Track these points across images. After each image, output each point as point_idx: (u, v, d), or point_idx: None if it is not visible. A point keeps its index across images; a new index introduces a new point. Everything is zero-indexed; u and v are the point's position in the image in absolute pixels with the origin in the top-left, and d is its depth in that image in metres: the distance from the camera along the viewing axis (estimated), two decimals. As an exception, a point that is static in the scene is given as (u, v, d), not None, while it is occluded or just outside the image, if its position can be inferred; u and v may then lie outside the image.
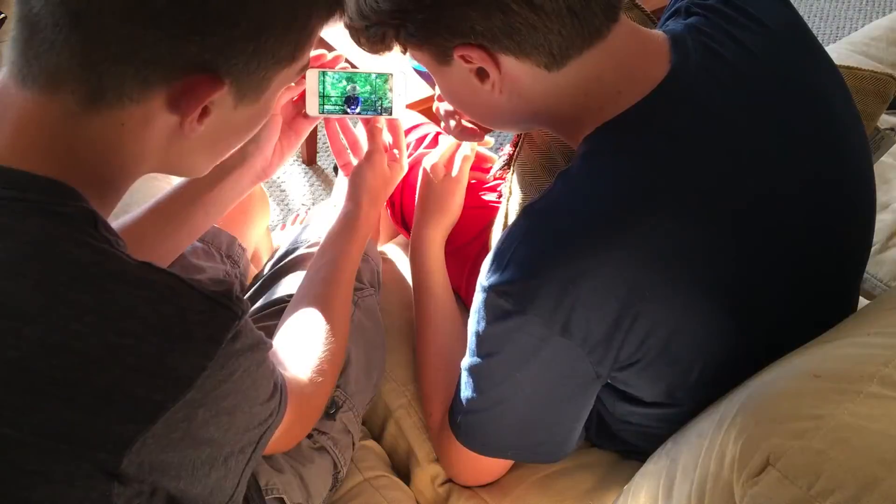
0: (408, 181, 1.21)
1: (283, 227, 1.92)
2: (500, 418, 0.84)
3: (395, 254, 1.28)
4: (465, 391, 0.85)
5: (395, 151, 1.07)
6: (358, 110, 1.01)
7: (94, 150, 0.59)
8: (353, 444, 0.99)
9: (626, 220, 0.71)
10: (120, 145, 0.60)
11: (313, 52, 0.97)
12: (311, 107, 0.99)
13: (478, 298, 0.78)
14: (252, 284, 1.11)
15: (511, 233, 0.76)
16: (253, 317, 1.01)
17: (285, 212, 2.09)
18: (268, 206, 1.31)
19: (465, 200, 1.14)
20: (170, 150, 0.63)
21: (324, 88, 0.99)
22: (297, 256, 1.08)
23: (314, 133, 2.17)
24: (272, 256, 1.13)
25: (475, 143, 1.13)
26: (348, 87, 1.00)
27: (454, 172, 1.11)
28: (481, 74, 0.76)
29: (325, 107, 1.00)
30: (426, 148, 1.23)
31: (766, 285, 0.77)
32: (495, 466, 0.95)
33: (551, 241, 0.73)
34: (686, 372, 0.77)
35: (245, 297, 0.88)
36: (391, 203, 1.24)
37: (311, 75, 0.98)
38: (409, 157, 1.22)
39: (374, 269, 1.11)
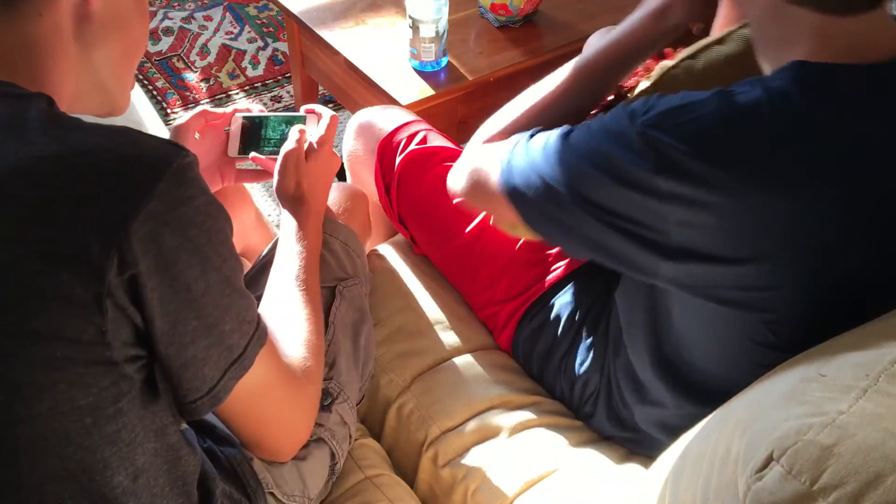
0: (404, 179, 1.21)
1: None
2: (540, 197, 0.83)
3: (391, 254, 1.28)
4: (533, 158, 0.84)
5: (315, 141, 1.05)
6: (268, 150, 1.07)
7: (26, 58, 0.66)
8: (350, 435, 0.99)
9: (813, 163, 0.71)
10: (44, 41, 0.66)
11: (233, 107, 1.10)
12: (232, 149, 1.07)
13: (616, 119, 0.77)
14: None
15: (707, 100, 0.74)
16: None
17: (285, 212, 2.09)
18: (247, 198, 1.30)
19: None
20: (85, 46, 0.70)
21: (246, 131, 1.08)
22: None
23: (314, 133, 2.17)
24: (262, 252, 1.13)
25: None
26: (266, 131, 1.08)
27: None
28: None
29: (247, 149, 1.07)
30: (417, 145, 1.22)
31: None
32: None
33: (749, 136, 0.72)
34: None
35: None
36: (388, 201, 1.24)
37: (235, 120, 1.08)
38: (400, 153, 1.22)
39: (356, 262, 1.11)
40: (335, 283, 1.05)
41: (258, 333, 0.71)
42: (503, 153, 0.88)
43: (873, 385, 0.55)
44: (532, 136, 0.87)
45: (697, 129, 0.73)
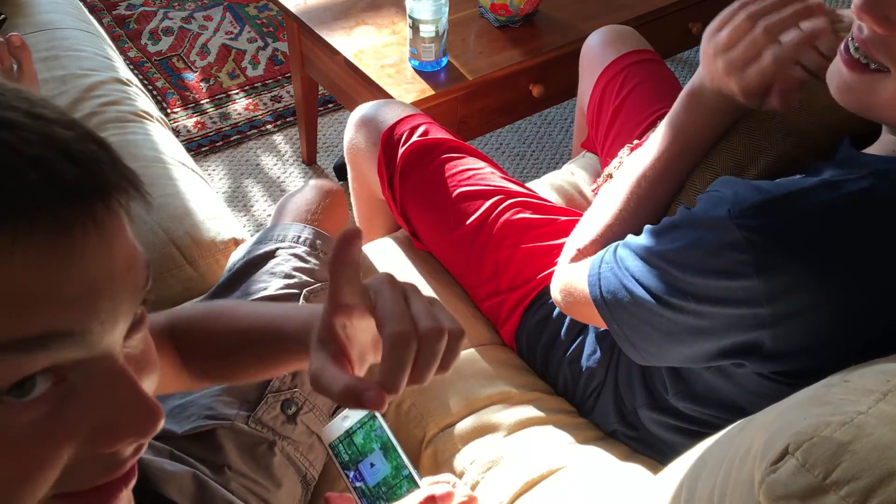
0: (406, 170, 1.21)
1: None
2: (638, 310, 0.82)
3: (391, 249, 1.28)
4: (633, 271, 0.82)
5: None
6: (358, 484, 0.75)
7: None
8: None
9: None
10: None
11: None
12: (329, 433, 0.78)
13: (709, 210, 0.74)
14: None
15: (812, 190, 0.70)
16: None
17: (284, 212, 2.08)
18: None
19: (458, 191, 1.15)
20: None
21: (353, 429, 0.77)
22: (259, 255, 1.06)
23: (314, 133, 2.17)
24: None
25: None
26: (373, 450, 0.76)
27: None
28: None
29: (339, 446, 0.77)
30: (419, 137, 1.22)
31: None
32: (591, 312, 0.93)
33: (858, 234, 0.69)
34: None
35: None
36: (391, 193, 1.24)
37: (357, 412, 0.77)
38: (402, 145, 1.22)
39: None
40: (301, 290, 1.02)
41: None
42: (594, 264, 0.88)
43: (895, 389, 0.55)
44: (617, 246, 0.87)
45: (803, 225, 0.69)
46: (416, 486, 0.73)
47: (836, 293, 0.69)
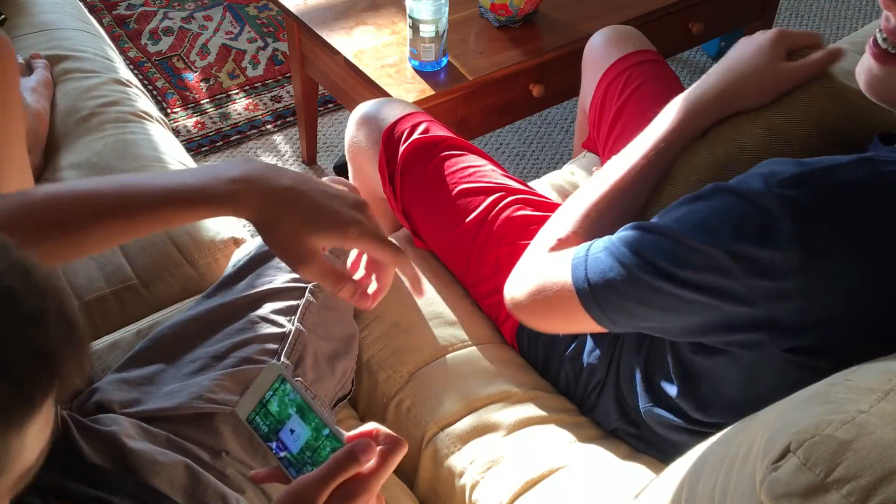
0: (407, 168, 1.21)
1: None
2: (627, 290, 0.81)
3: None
4: (633, 245, 0.81)
5: None
6: (283, 454, 0.71)
7: None
8: None
9: None
10: None
11: None
12: (243, 408, 0.73)
13: (743, 182, 0.74)
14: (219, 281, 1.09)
15: (850, 165, 0.71)
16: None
17: (285, 212, 2.08)
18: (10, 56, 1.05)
19: (459, 188, 1.15)
20: None
21: (266, 398, 0.72)
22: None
23: (314, 132, 2.17)
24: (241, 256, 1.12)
25: None
26: (290, 416, 0.72)
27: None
28: None
29: (256, 419, 0.72)
30: (420, 135, 1.22)
31: None
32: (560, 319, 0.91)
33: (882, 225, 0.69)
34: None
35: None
36: (392, 191, 1.24)
37: (272, 371, 0.73)
38: (403, 143, 1.22)
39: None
40: (308, 283, 1.03)
41: None
42: (579, 250, 0.87)
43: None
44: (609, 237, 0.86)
45: (840, 195, 0.70)
46: (340, 443, 0.70)
47: (863, 269, 0.70)
